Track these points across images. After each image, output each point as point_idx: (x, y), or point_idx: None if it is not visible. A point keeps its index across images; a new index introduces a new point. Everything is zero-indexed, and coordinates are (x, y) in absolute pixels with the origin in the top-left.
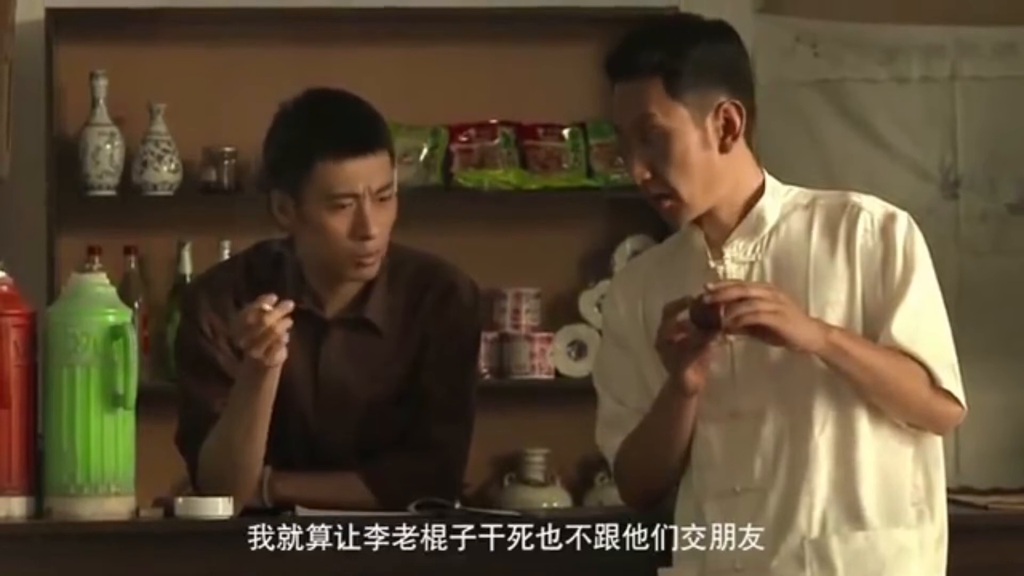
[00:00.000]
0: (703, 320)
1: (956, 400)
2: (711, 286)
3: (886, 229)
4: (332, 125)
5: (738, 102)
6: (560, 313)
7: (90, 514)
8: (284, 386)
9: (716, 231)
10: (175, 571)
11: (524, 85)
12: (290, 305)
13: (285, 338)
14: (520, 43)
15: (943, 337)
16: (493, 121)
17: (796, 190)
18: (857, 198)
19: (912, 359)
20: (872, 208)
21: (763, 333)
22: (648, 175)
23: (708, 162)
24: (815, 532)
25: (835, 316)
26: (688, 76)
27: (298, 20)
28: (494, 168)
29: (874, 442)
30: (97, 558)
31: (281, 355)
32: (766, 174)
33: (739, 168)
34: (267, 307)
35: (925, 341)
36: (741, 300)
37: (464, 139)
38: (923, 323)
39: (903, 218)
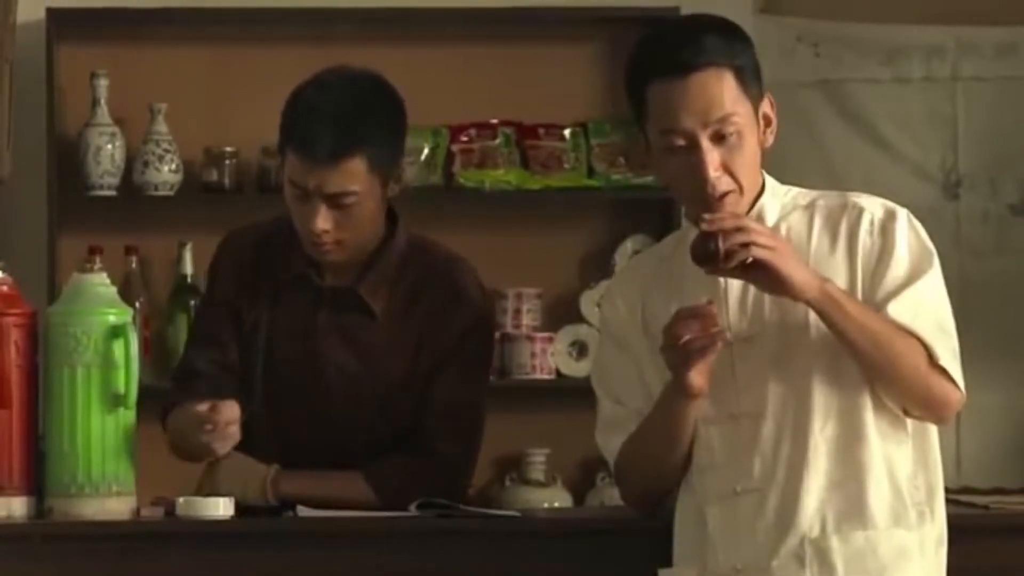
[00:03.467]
0: (702, 252)
1: (956, 385)
2: (708, 216)
3: (886, 228)
4: (307, 122)
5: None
6: (561, 313)
7: (90, 514)
8: (278, 351)
9: None
10: (175, 571)
11: (525, 85)
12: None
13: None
14: (521, 43)
15: (945, 322)
16: (494, 121)
17: (795, 190)
18: (857, 198)
19: (911, 335)
20: (873, 208)
21: (759, 273)
22: (721, 172)
23: (757, 159)
24: (815, 532)
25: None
26: (749, 70)
27: (298, 20)
28: (495, 168)
29: (875, 442)
30: (97, 558)
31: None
32: (765, 175)
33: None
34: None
35: (925, 318)
36: (738, 230)
37: (465, 139)
38: (924, 308)
39: (903, 215)
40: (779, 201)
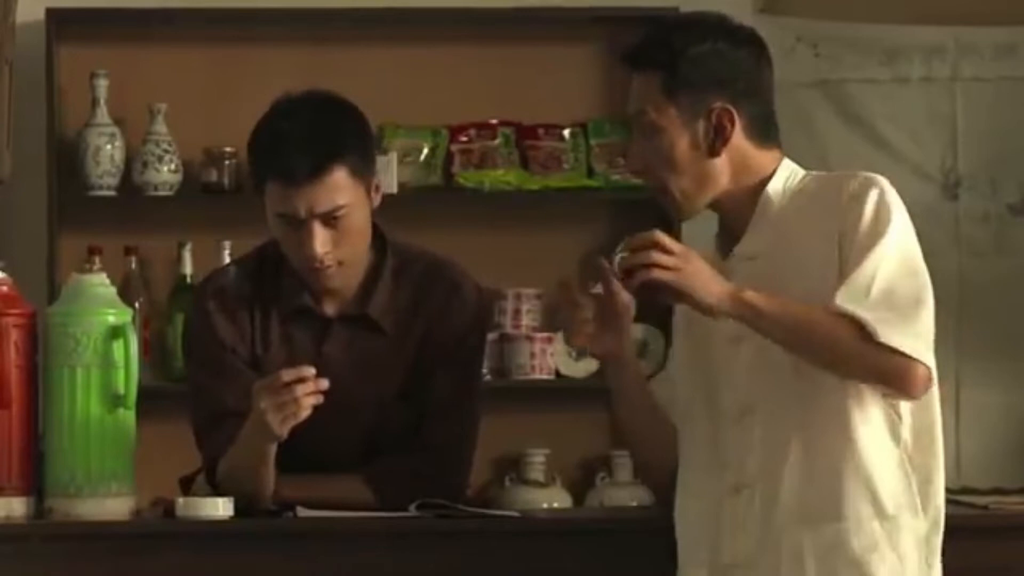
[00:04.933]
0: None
1: (914, 357)
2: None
3: (859, 198)
4: (280, 148)
5: (732, 108)
6: (561, 314)
7: (90, 514)
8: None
9: (733, 221)
10: (175, 571)
11: (524, 85)
12: (324, 383)
13: (304, 414)
14: (520, 43)
15: (896, 294)
16: (493, 121)
17: (802, 175)
18: (844, 176)
19: (846, 316)
20: (852, 183)
21: (666, 292)
22: (641, 168)
23: (697, 163)
24: (791, 525)
25: (823, 300)
26: (684, 77)
27: (298, 20)
28: (495, 168)
29: (856, 436)
30: (97, 558)
31: (287, 429)
32: (783, 161)
33: (738, 167)
34: (307, 374)
35: (869, 299)
36: (644, 248)
37: (464, 139)
38: (875, 286)
39: (876, 185)
40: (786, 188)
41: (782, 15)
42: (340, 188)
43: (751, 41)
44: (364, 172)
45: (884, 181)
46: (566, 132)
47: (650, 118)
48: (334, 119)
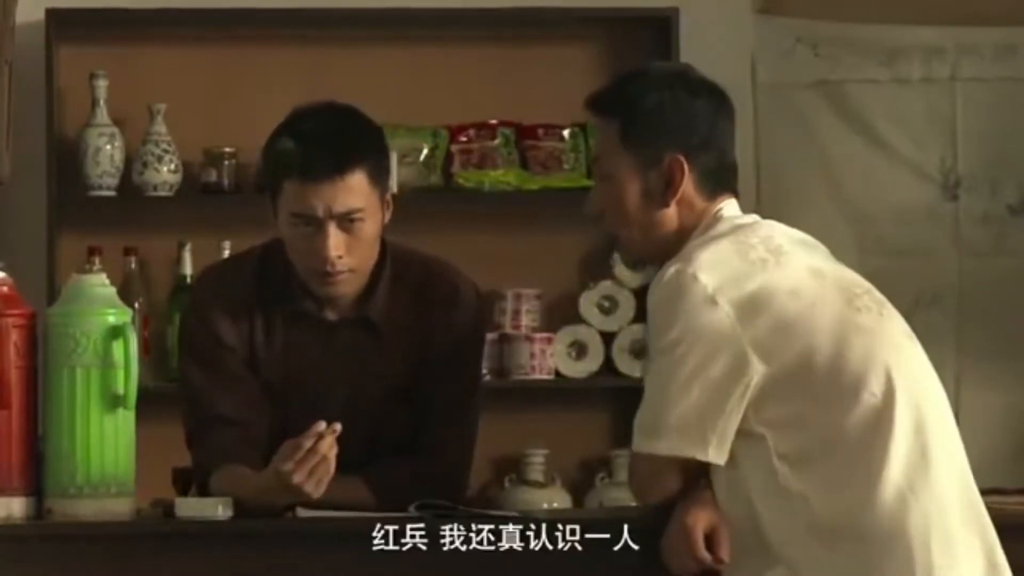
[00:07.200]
0: None
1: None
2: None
3: (651, 296)
4: (301, 147)
5: (684, 160)
6: (560, 314)
7: (90, 514)
8: (290, 390)
9: None
10: (175, 571)
11: (524, 85)
12: (337, 427)
13: (333, 467)
14: (520, 43)
15: (651, 404)
16: (493, 122)
17: (703, 238)
18: (672, 263)
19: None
20: (662, 272)
21: None
22: (597, 212)
23: (646, 212)
24: None
25: None
26: (639, 126)
27: (298, 21)
28: (494, 169)
29: (727, 497)
30: (97, 558)
31: (323, 488)
32: (722, 209)
33: (685, 219)
34: (322, 429)
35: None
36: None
37: (464, 139)
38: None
39: (659, 284)
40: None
41: (781, 15)
42: (358, 191)
43: (711, 92)
44: (380, 181)
45: (688, 268)
46: (566, 132)
47: (605, 165)
48: (355, 125)
